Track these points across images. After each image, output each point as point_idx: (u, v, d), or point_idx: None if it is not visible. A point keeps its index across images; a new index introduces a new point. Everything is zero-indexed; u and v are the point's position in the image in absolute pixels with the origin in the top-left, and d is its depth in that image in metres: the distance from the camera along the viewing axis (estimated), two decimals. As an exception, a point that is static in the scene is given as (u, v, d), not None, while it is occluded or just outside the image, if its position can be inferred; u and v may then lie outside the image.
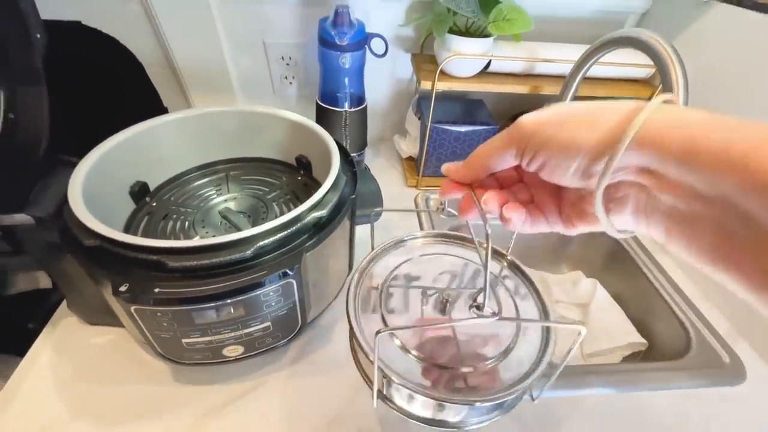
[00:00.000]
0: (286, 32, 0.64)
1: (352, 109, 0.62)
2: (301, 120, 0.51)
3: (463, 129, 0.65)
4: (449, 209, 0.33)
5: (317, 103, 0.63)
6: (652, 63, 0.44)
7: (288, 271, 0.35)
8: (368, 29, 0.58)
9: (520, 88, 0.62)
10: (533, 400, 0.30)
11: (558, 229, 0.24)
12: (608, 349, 0.57)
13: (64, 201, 0.38)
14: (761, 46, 0.51)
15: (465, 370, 0.28)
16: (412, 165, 0.75)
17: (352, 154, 0.67)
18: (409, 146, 0.73)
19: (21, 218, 0.36)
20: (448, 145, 0.67)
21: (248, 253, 0.34)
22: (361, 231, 0.47)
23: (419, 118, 0.68)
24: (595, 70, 0.57)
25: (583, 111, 0.19)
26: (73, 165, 0.42)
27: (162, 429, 0.38)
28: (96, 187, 0.40)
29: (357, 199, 0.44)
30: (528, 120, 0.21)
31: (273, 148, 0.55)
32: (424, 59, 0.66)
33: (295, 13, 0.62)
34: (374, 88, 0.70)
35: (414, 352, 0.28)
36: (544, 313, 0.32)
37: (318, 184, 0.41)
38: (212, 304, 0.33)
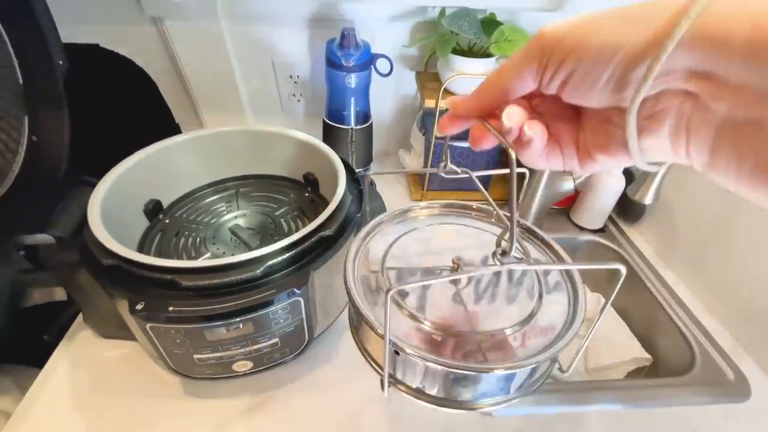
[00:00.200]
0: (294, 52, 0.66)
1: (358, 127, 0.64)
2: (308, 139, 0.53)
3: (466, 145, 0.66)
4: (451, 165, 0.31)
5: (324, 121, 0.65)
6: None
7: (296, 289, 0.36)
8: (374, 49, 0.60)
9: (522, 106, 0.63)
10: (563, 372, 0.27)
11: (573, 166, 0.22)
12: (612, 364, 0.57)
13: (84, 221, 0.40)
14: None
15: (484, 340, 0.25)
16: (417, 179, 0.76)
17: (357, 170, 0.68)
18: (413, 161, 0.75)
19: (43, 238, 0.38)
20: (452, 160, 0.68)
21: (258, 272, 0.35)
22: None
23: (423, 134, 0.70)
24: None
25: (622, 8, 0.16)
26: (91, 185, 0.44)
27: (173, 442, 0.39)
28: (113, 206, 0.42)
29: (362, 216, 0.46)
30: (552, 26, 0.17)
31: (281, 165, 0.56)
32: (428, 77, 0.68)
33: (303, 34, 0.64)
34: (379, 104, 0.72)
35: (427, 323, 0.25)
36: (569, 279, 0.28)
37: (325, 201, 0.43)
38: (223, 322, 0.35)
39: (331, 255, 0.40)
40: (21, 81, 0.41)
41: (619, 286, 0.22)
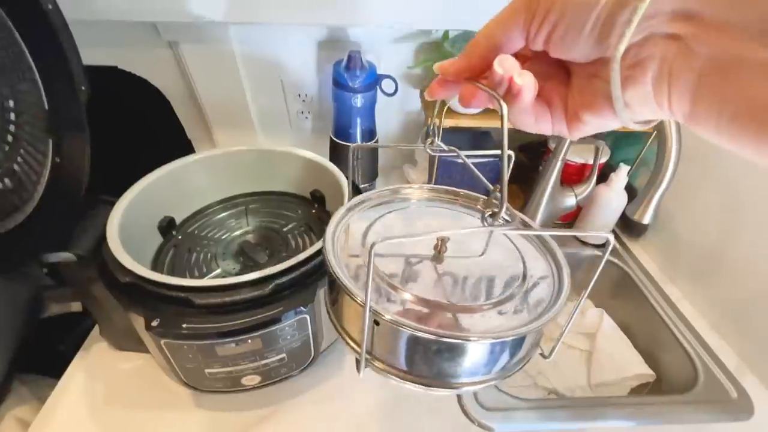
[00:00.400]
0: (303, 72, 0.68)
1: (364, 144, 0.66)
2: (315, 158, 0.55)
3: (470, 160, 0.68)
4: (439, 143, 0.30)
5: (331, 138, 0.67)
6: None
7: (302, 307, 0.37)
8: (379, 70, 0.62)
9: (524, 123, 0.64)
10: (545, 357, 0.27)
11: (562, 129, 0.22)
12: (616, 379, 0.57)
13: (102, 238, 0.42)
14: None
15: (468, 315, 0.24)
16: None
17: (363, 185, 0.70)
18: (418, 175, 0.76)
19: (65, 256, 0.40)
20: (455, 175, 0.70)
21: (267, 290, 0.37)
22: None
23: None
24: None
25: None
26: (109, 203, 0.46)
27: (184, 453, 0.41)
28: (130, 224, 0.44)
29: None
30: None
31: (289, 183, 0.58)
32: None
33: (311, 56, 0.66)
34: (385, 120, 0.73)
35: (410, 301, 0.24)
36: (554, 262, 0.28)
37: (331, 217, 0.44)
38: (234, 339, 0.36)
39: (337, 273, 0.41)
40: (46, 107, 0.44)
41: (607, 254, 0.22)
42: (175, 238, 0.52)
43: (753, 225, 0.52)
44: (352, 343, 0.25)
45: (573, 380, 0.59)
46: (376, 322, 0.23)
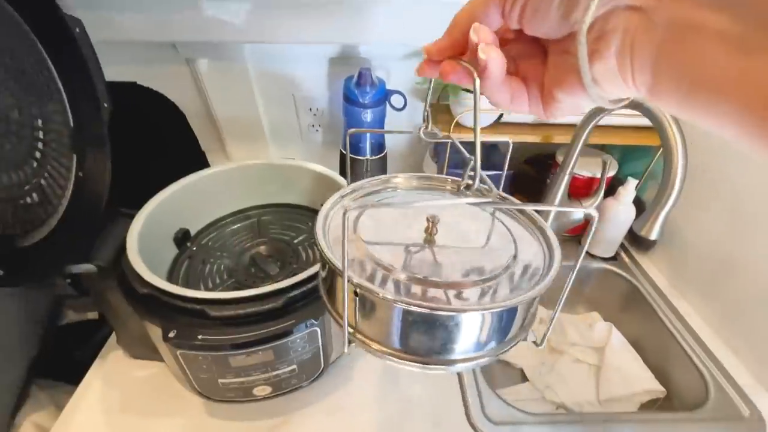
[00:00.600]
0: (314, 87, 0.70)
1: (373, 157, 0.67)
2: (325, 171, 0.56)
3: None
4: (434, 129, 0.31)
5: (341, 152, 0.68)
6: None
7: (313, 320, 0.38)
8: (389, 86, 0.63)
9: (532, 137, 0.65)
10: (538, 345, 0.27)
11: (537, 110, 0.23)
12: (625, 395, 0.57)
13: (121, 250, 0.43)
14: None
15: (458, 289, 0.24)
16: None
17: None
18: (426, 187, 0.77)
19: (86, 267, 0.42)
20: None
21: (280, 303, 0.38)
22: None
23: (436, 162, 0.72)
24: (607, 119, 0.59)
25: None
26: (128, 216, 0.48)
27: (196, 462, 0.42)
28: (147, 236, 0.46)
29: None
30: None
31: (300, 195, 0.60)
32: (440, 109, 0.71)
33: (322, 71, 0.68)
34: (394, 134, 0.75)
35: (401, 275, 0.24)
36: (546, 244, 0.28)
37: (341, 235, 0.45)
38: (247, 350, 0.37)
39: (347, 286, 0.42)
40: (72, 124, 0.46)
41: (593, 229, 0.23)
42: (190, 249, 0.53)
43: (763, 237, 0.51)
44: (338, 319, 0.26)
45: (581, 395, 0.59)
46: (356, 293, 0.23)
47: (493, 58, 0.20)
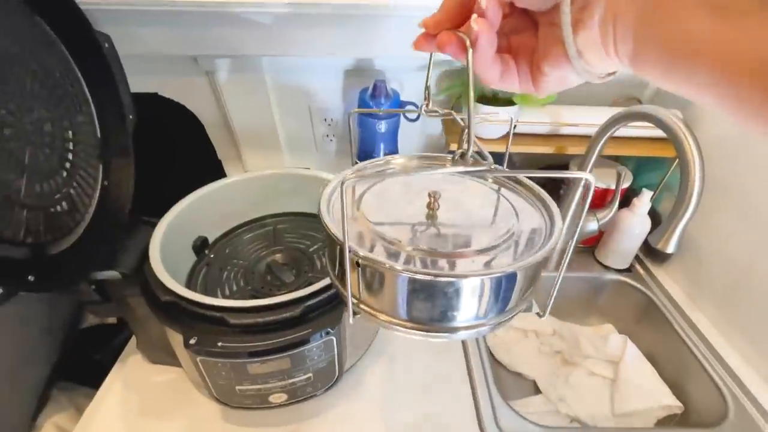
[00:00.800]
0: (329, 98, 0.71)
1: (387, 167, 0.68)
2: (341, 181, 0.57)
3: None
4: (434, 108, 0.31)
5: (355, 162, 0.69)
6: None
7: (330, 329, 0.39)
8: (403, 97, 0.65)
9: (545, 149, 0.65)
10: (541, 316, 0.27)
11: (527, 87, 0.23)
12: (641, 409, 0.56)
13: (144, 258, 0.45)
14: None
15: (460, 258, 0.24)
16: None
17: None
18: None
19: (110, 274, 0.43)
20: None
21: (297, 311, 0.39)
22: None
23: (448, 172, 0.73)
24: (622, 130, 0.59)
25: None
26: (149, 224, 0.49)
27: (212, 467, 0.42)
28: (168, 244, 0.47)
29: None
30: None
31: (315, 204, 0.60)
32: (453, 120, 0.71)
33: (337, 83, 0.70)
34: (407, 143, 0.76)
35: (407, 247, 0.24)
36: (548, 215, 0.28)
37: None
38: (265, 358, 0.38)
39: (362, 296, 0.43)
40: (99, 135, 0.48)
41: (590, 195, 0.23)
42: (208, 257, 0.54)
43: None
44: (344, 291, 0.26)
45: (596, 408, 0.58)
46: (357, 264, 0.24)
47: (483, 31, 0.21)
